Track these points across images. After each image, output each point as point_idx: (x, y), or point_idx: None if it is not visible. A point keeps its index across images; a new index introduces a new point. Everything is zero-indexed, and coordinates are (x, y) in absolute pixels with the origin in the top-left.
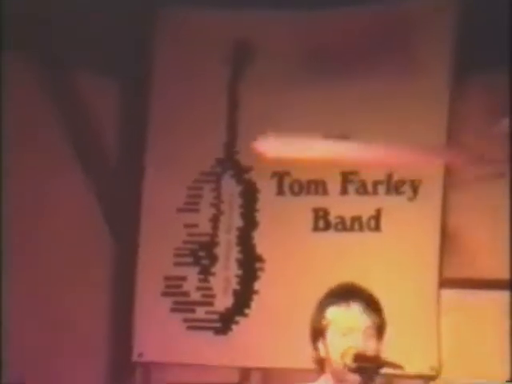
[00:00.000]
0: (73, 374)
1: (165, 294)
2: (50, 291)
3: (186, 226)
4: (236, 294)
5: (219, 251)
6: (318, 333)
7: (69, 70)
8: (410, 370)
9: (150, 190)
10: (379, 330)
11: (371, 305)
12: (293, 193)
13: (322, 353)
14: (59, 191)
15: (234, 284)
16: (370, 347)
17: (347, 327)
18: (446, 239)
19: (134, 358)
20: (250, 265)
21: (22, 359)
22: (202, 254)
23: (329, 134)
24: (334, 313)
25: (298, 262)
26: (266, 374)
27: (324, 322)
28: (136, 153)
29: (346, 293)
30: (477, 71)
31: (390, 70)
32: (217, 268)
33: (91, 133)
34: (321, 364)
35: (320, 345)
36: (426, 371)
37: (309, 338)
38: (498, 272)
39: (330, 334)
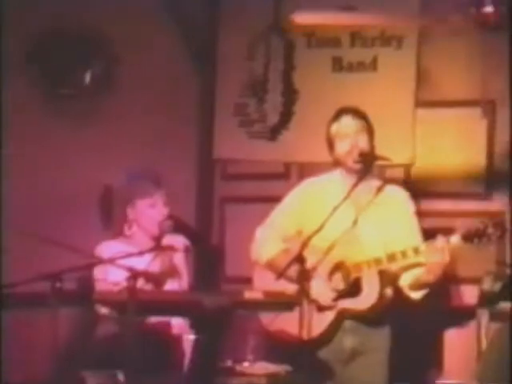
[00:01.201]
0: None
1: (234, 115)
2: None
3: (249, 70)
4: (281, 114)
5: (270, 86)
6: (330, 142)
7: None
8: (394, 160)
9: (224, 38)
10: (369, 132)
11: (358, 114)
12: (318, 46)
13: (335, 154)
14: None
15: (280, 107)
16: (364, 145)
17: (344, 133)
18: (422, 74)
19: (215, 156)
20: (289, 95)
21: None
22: (258, 88)
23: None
24: (335, 126)
25: (322, 92)
26: (302, 166)
27: (332, 134)
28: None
29: (341, 111)
30: None
31: None
32: (268, 97)
33: None
34: (336, 161)
35: (333, 149)
36: (404, 161)
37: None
38: (466, 93)
39: (337, 142)
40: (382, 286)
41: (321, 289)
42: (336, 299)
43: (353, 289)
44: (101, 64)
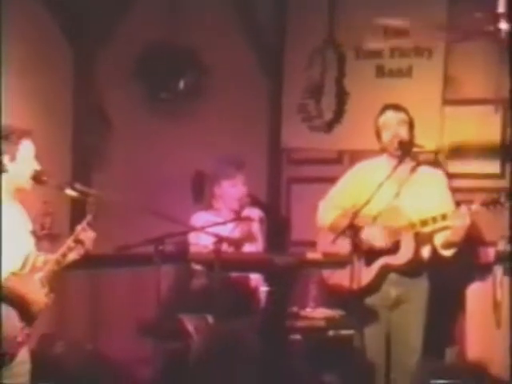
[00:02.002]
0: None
1: (297, 113)
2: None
3: (308, 77)
4: (334, 112)
5: (325, 89)
6: (378, 132)
7: None
8: (426, 147)
9: (289, 50)
10: (409, 124)
11: (400, 108)
12: (364, 57)
13: (381, 142)
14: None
15: (333, 106)
16: (404, 135)
17: (388, 124)
18: (448, 79)
19: (282, 145)
20: (341, 96)
21: None
22: (316, 91)
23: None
24: (381, 119)
25: (367, 94)
26: (351, 153)
27: (379, 126)
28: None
29: (386, 107)
30: None
31: None
32: (324, 98)
33: None
34: (382, 148)
35: (380, 138)
36: (434, 148)
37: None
38: (484, 94)
39: (382, 132)
40: (417, 245)
41: (375, 233)
42: (379, 256)
43: (393, 247)
44: (192, 73)
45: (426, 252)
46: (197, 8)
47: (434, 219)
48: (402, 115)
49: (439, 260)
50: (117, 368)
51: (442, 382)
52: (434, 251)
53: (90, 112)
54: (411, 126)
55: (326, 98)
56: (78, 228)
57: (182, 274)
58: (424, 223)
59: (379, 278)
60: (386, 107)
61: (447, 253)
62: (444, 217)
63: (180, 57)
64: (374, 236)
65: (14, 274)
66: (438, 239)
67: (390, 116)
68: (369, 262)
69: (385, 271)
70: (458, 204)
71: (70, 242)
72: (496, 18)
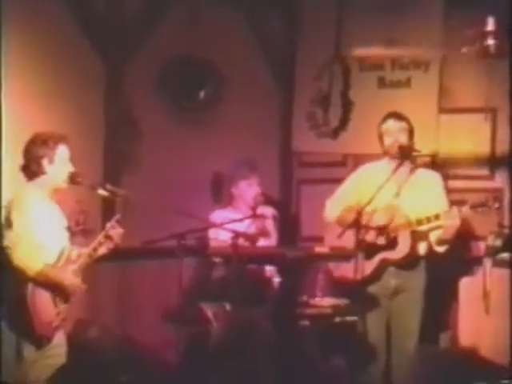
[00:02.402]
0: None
1: (306, 120)
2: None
3: (317, 88)
4: (340, 120)
5: (332, 99)
6: (380, 138)
7: None
8: (423, 151)
9: (299, 64)
10: (409, 131)
11: (401, 117)
12: (367, 70)
13: (384, 147)
14: None
15: (339, 115)
16: (403, 141)
17: (389, 131)
18: (443, 90)
19: (293, 150)
20: (347, 106)
21: None
22: (324, 101)
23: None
24: (383, 126)
25: (370, 103)
26: (355, 157)
27: (381, 132)
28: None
29: (388, 115)
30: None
31: None
32: (331, 108)
33: None
34: (384, 152)
35: (382, 143)
36: (430, 152)
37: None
38: (475, 103)
39: (384, 138)
40: (413, 242)
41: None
42: (379, 251)
43: (391, 244)
44: (211, 84)
45: (422, 248)
46: (216, 25)
47: (428, 219)
48: (403, 123)
49: (434, 255)
50: (143, 351)
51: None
52: (430, 247)
53: (120, 119)
54: (411, 133)
55: (333, 107)
56: (108, 225)
57: (203, 266)
58: (419, 222)
59: (379, 270)
60: (389, 115)
61: (440, 249)
62: (437, 217)
63: (200, 70)
64: (379, 219)
65: (50, 265)
66: (432, 237)
67: (392, 124)
68: (369, 256)
69: (383, 265)
70: (452, 203)
71: (100, 237)
72: (485, 35)
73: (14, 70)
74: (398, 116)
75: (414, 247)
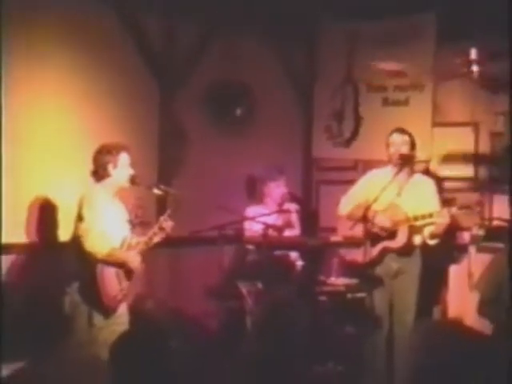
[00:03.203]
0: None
1: (324, 132)
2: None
3: (332, 105)
4: (352, 132)
5: (345, 115)
6: (387, 148)
7: None
8: (419, 158)
9: (318, 85)
10: (411, 143)
11: (404, 132)
12: (373, 91)
13: (388, 155)
14: None
15: (351, 128)
16: (404, 151)
17: (394, 143)
18: (435, 107)
19: (313, 156)
20: (357, 120)
21: None
22: (338, 116)
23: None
24: (390, 138)
25: (376, 119)
26: (364, 163)
27: (389, 143)
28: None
29: (394, 130)
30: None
31: None
32: (344, 122)
33: None
34: (389, 160)
35: (388, 151)
36: (425, 159)
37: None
38: (462, 118)
39: (389, 148)
40: (410, 234)
41: (383, 218)
42: (381, 240)
43: (391, 235)
44: (246, 104)
45: (417, 240)
46: (251, 56)
47: (423, 216)
48: (405, 137)
49: (427, 246)
50: (190, 321)
51: None
52: (424, 239)
53: (172, 132)
54: (412, 145)
55: (346, 121)
56: (161, 219)
57: (239, 252)
58: (416, 219)
59: (381, 256)
60: (395, 130)
61: (431, 242)
62: (430, 215)
63: (238, 91)
64: (383, 221)
65: (115, 249)
66: (426, 231)
67: (396, 137)
68: (374, 245)
69: (385, 251)
70: (443, 203)
71: (155, 229)
72: (470, 62)
73: (89, 94)
74: (401, 131)
75: (410, 238)
